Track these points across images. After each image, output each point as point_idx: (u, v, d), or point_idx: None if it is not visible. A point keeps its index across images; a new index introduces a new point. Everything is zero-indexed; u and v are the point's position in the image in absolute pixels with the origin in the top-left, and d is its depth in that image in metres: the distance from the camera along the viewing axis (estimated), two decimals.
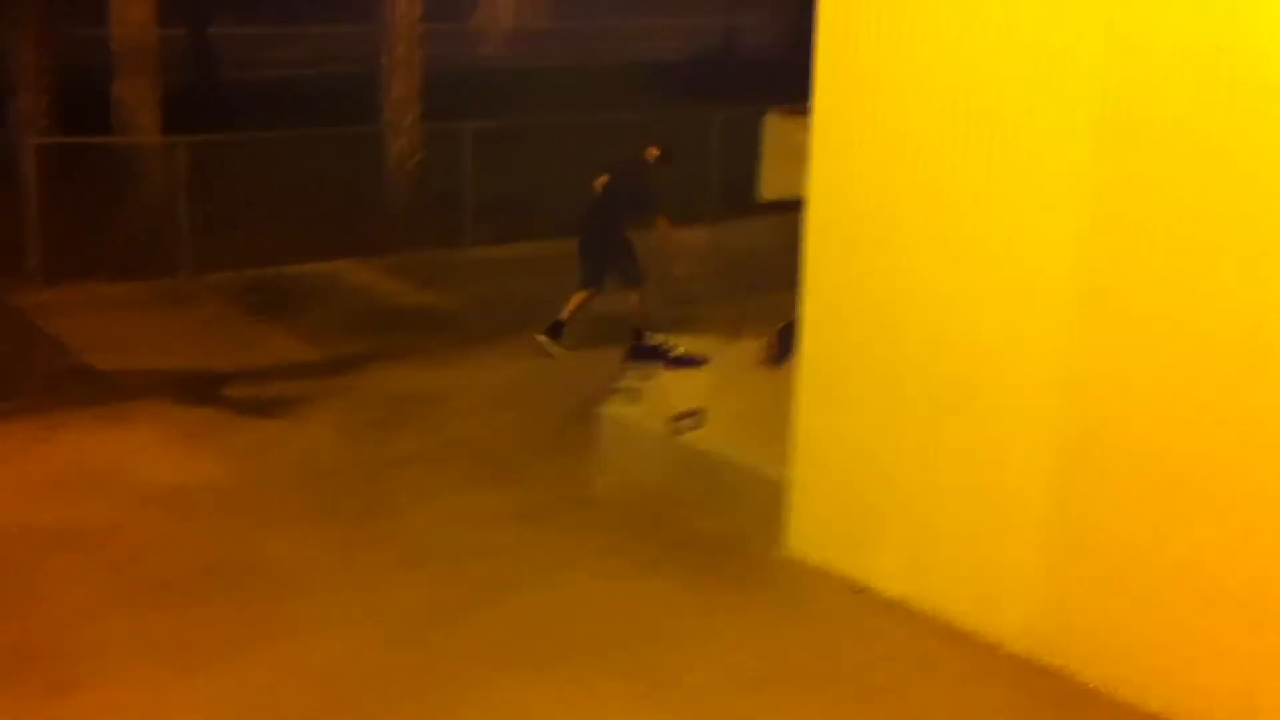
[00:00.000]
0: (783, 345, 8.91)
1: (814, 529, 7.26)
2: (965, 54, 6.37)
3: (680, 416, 8.09)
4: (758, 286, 12.16)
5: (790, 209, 13.14)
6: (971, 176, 6.40)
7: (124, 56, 14.33)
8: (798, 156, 14.38)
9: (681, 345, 9.40)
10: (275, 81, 24.14)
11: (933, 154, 6.54)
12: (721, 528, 7.60)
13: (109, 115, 14.45)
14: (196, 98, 20.25)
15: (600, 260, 10.85)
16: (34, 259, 12.28)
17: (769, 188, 14.34)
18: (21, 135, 14.08)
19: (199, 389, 9.67)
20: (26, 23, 15.38)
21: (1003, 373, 6.36)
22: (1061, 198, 6.05)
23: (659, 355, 9.25)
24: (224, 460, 8.52)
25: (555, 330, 10.69)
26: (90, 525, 7.52)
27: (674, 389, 8.65)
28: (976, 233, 6.40)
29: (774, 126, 14.52)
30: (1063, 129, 6.00)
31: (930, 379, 6.67)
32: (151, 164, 14.27)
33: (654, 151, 11.05)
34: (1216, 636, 5.64)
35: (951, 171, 6.47)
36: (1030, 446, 6.27)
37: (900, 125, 6.67)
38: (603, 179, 11.01)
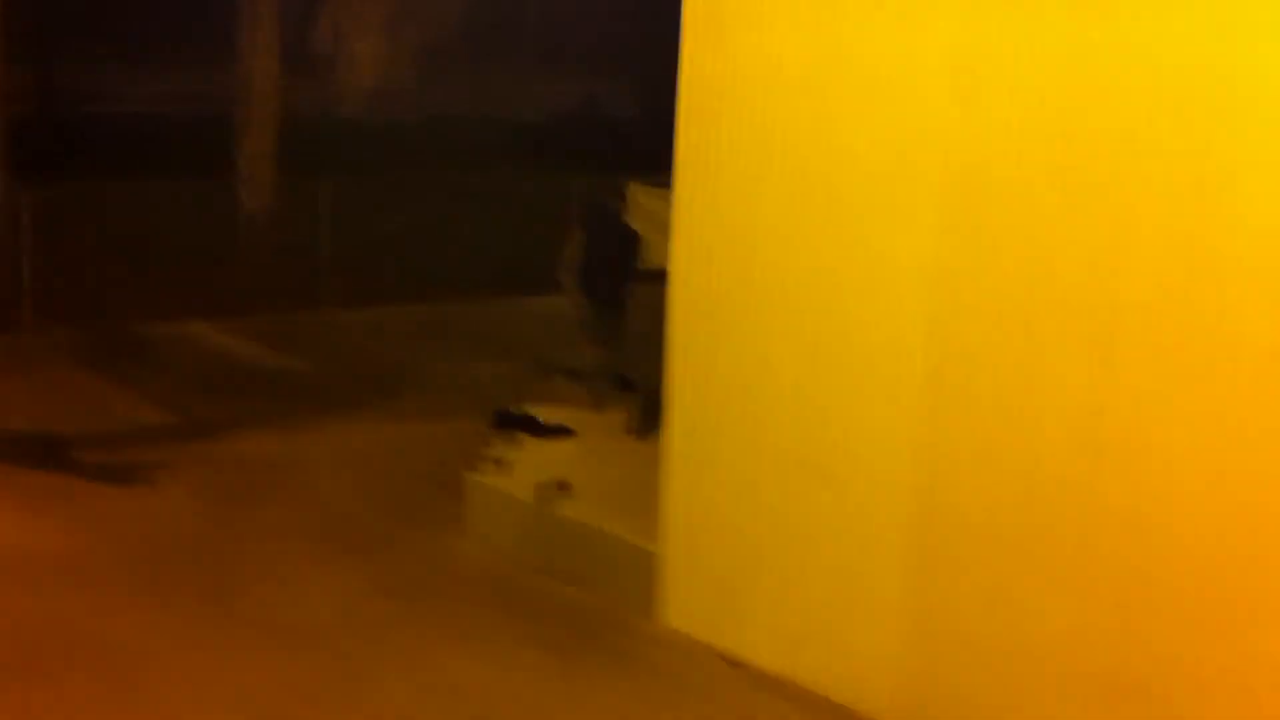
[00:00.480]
0: (647, 416, 8.97)
1: (687, 602, 7.26)
2: (819, 136, 6.53)
3: (548, 486, 8.03)
4: (618, 356, 12.21)
5: (653, 279, 13.30)
6: (824, 257, 6.55)
7: None
8: (661, 227, 14.55)
9: (547, 415, 9.35)
10: (123, 123, 23.46)
11: (788, 233, 6.68)
12: (594, 600, 7.54)
13: None
14: (38, 142, 19.55)
15: None
16: None
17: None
18: None
19: (44, 453, 9.26)
20: None
21: (858, 449, 6.48)
22: (909, 279, 6.20)
23: (526, 424, 9.18)
24: (71, 530, 8.16)
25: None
26: None
27: (542, 459, 8.60)
28: (830, 311, 6.54)
29: (636, 197, 14.60)
30: (910, 212, 6.17)
31: (792, 454, 6.75)
32: None
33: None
34: (1072, 715, 5.77)
35: (805, 251, 6.62)
36: (885, 523, 6.38)
37: (758, 204, 6.80)
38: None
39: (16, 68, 15.22)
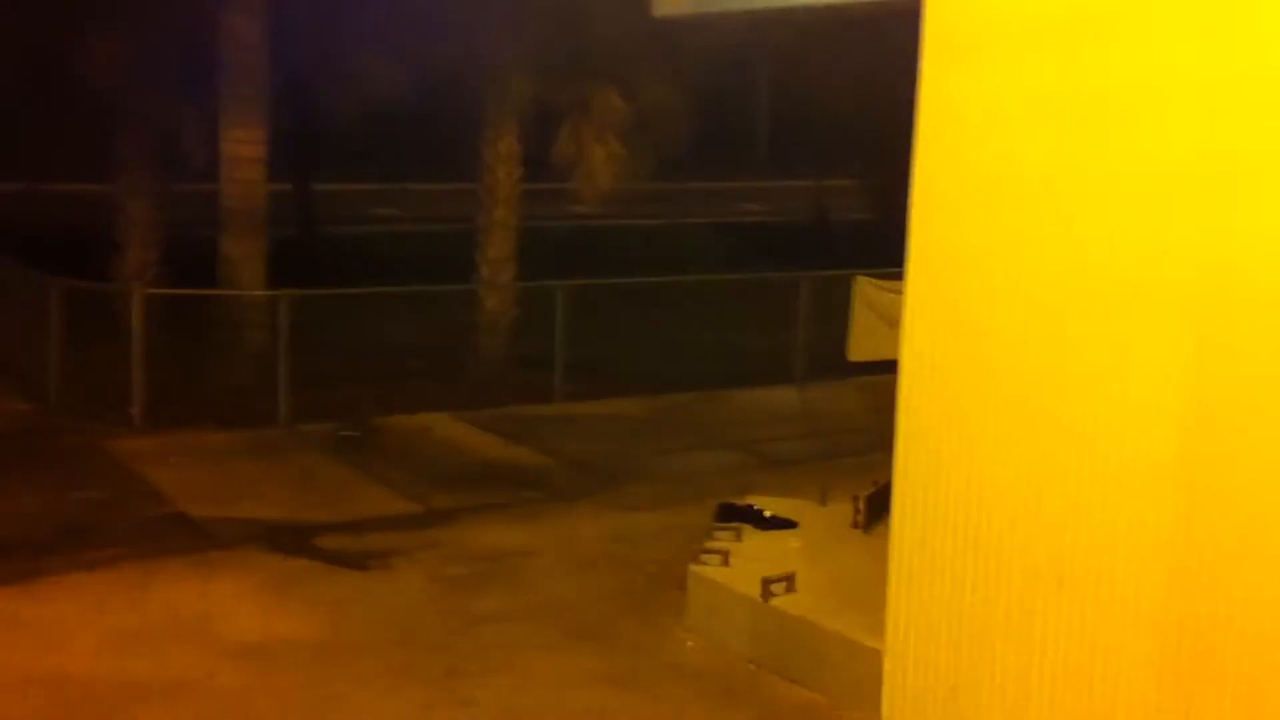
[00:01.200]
0: (873, 510, 8.84)
1: (908, 702, 7.06)
2: (1059, 236, 6.39)
3: (772, 580, 7.98)
4: (846, 450, 12.13)
5: (878, 371, 13.21)
6: (1064, 359, 6.35)
7: (233, 214, 14.85)
8: (886, 319, 14.45)
9: (770, 507, 9.33)
10: (374, 237, 24.86)
11: (1025, 334, 6.52)
12: (814, 697, 7.43)
13: (213, 268, 14.94)
14: (298, 252, 20.88)
15: None
16: (136, 407, 12.60)
17: (858, 350, 14.36)
18: (130, 286, 14.59)
19: (291, 539, 9.74)
20: (137, 179, 16.06)
21: (1101, 555, 6.21)
22: (1158, 383, 5.97)
23: (749, 516, 9.17)
24: (313, 614, 8.54)
25: None
26: (180, 678, 7.54)
27: (765, 552, 8.57)
28: (1074, 413, 6.32)
29: (864, 290, 14.60)
30: (1158, 315, 5.96)
31: (1026, 555, 6.53)
32: (253, 316, 14.67)
33: None
34: None
35: (1044, 353, 6.44)
36: (1130, 630, 6.08)
37: (994, 303, 6.67)
38: None
39: (278, 191, 16.38)
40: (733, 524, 9.05)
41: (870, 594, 7.42)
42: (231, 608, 8.58)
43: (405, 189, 25.43)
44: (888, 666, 7.17)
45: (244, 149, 14.89)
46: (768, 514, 9.15)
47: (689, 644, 8.23)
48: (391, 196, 26.39)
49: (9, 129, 19.95)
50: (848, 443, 12.41)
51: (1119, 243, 6.13)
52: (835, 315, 15.13)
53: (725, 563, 8.45)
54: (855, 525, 8.91)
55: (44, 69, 16.28)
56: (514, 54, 15.37)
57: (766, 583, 7.96)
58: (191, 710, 7.18)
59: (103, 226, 16.24)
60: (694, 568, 8.50)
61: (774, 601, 7.91)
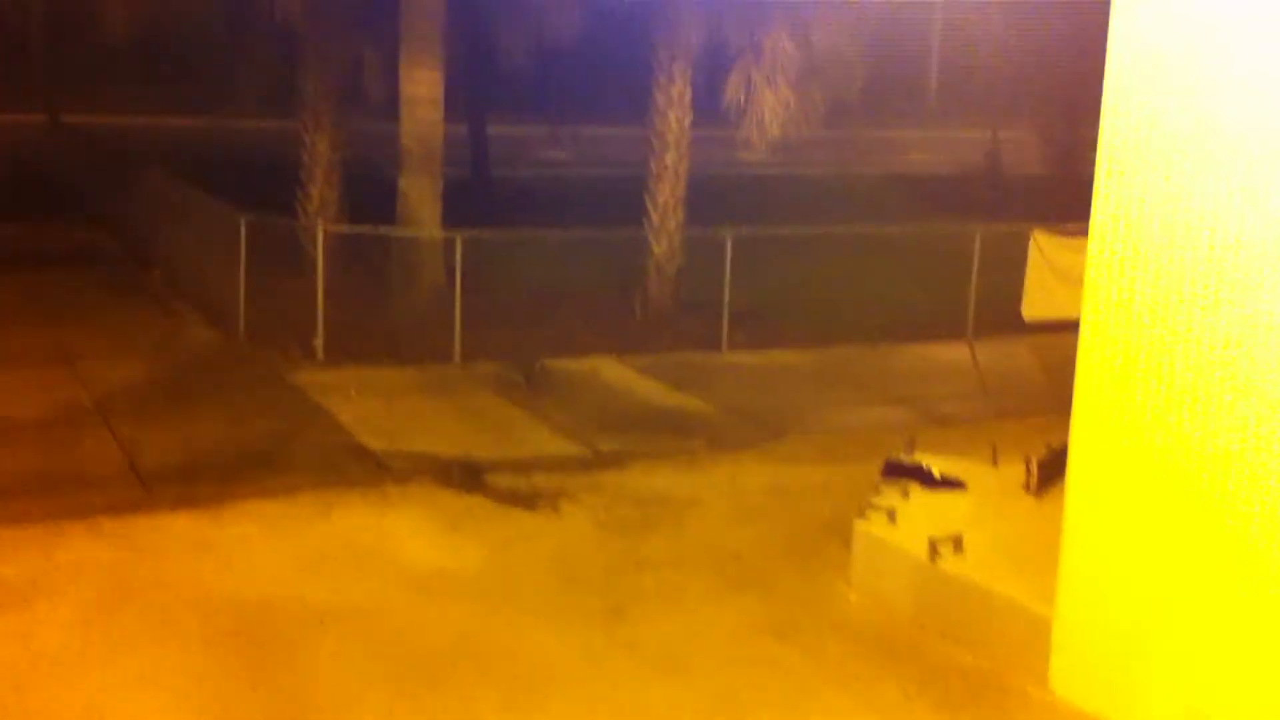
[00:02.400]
0: (1046, 473, 8.67)
1: (1080, 671, 6.95)
2: (1261, 207, 6.13)
3: (939, 541, 7.90)
4: (1017, 410, 11.91)
5: (1053, 330, 12.90)
6: (1260, 320, 6.12)
7: (411, 154, 15.14)
8: (1065, 277, 14.07)
9: (939, 466, 9.21)
10: (544, 179, 25.12)
11: (1219, 298, 6.31)
12: (979, 661, 7.36)
13: (390, 205, 15.29)
14: (471, 192, 21.24)
15: None
16: (318, 339, 13.01)
17: (1033, 308, 14.02)
18: (314, 222, 15.02)
19: (463, 476, 9.99)
20: (321, 119, 16.49)
21: None
22: None
23: (917, 474, 9.08)
24: (483, 549, 8.77)
25: None
26: (357, 605, 7.83)
27: (932, 511, 8.48)
28: (1268, 379, 6.10)
29: (1040, 245, 14.21)
30: None
31: (1207, 524, 6.35)
32: (429, 255, 14.99)
33: None
34: None
35: (1239, 315, 6.22)
36: None
37: (1187, 267, 6.45)
38: None
39: (452, 132, 16.64)
40: (900, 481, 8.97)
41: (1040, 559, 7.30)
42: (405, 540, 8.86)
43: (576, 132, 25.60)
44: (1057, 634, 7.06)
45: (422, 89, 15.14)
46: (936, 473, 9.04)
47: (852, 600, 8.22)
48: (562, 137, 26.60)
49: (199, 64, 20.69)
50: (1019, 403, 12.21)
51: None
52: (1009, 269, 14.80)
53: (892, 520, 8.39)
54: (1027, 488, 8.74)
55: (232, 7, 16.80)
56: None
57: (934, 543, 7.89)
58: (365, 635, 7.45)
59: (287, 162, 16.75)
60: (860, 524, 8.46)
61: (940, 562, 7.83)
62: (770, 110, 15.61)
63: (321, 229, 13.94)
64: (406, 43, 15.09)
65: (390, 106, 15.62)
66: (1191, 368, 6.45)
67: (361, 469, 10.15)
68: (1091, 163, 6.94)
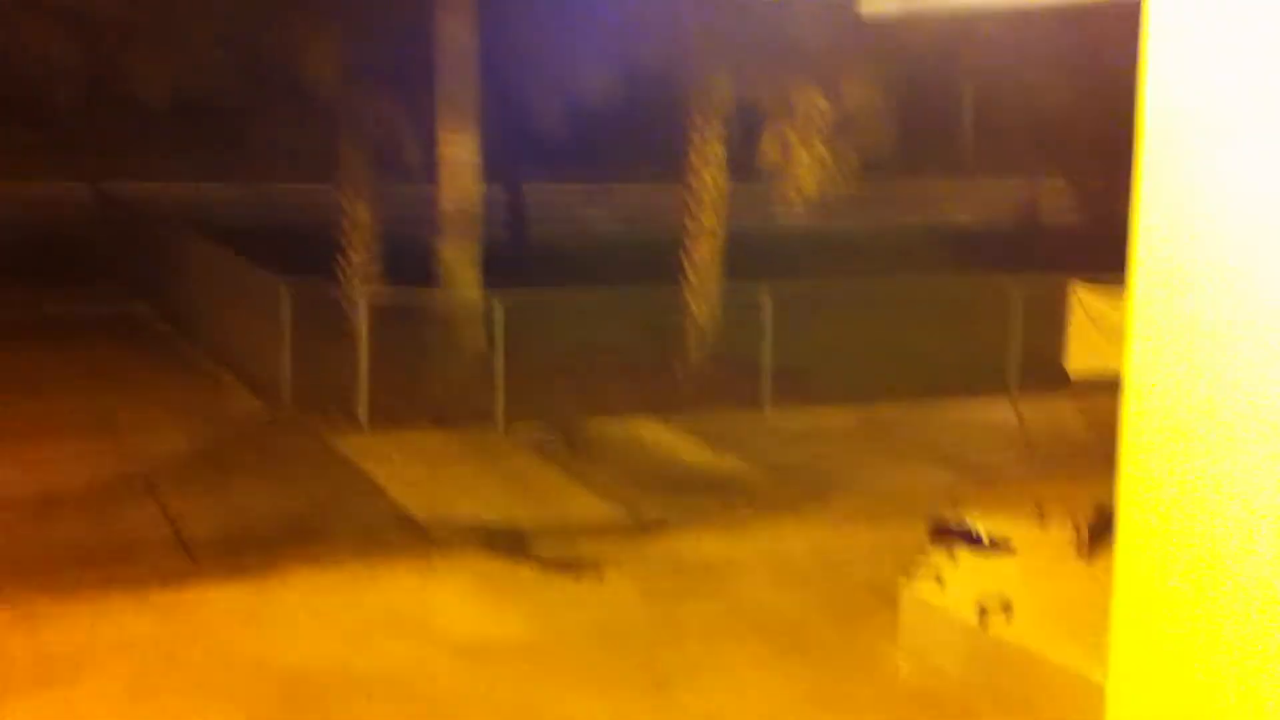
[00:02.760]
0: (1095, 534, 8.57)
1: None
2: None
3: (988, 605, 7.82)
4: (1063, 468, 11.79)
5: (1098, 387, 12.78)
6: None
7: (449, 217, 15.26)
8: (1108, 331, 13.96)
9: (986, 527, 9.13)
10: (581, 237, 25.26)
11: (1265, 351, 6.22)
12: None
13: (428, 268, 15.39)
14: (509, 253, 21.36)
15: None
16: (362, 406, 13.08)
17: (1076, 362, 13.93)
18: (355, 289, 15.14)
19: (506, 542, 9.98)
20: (359, 185, 16.67)
21: None
22: None
23: (964, 536, 9.00)
24: (527, 617, 8.74)
25: None
26: (402, 674, 7.82)
27: (980, 574, 8.40)
28: None
29: (1081, 299, 14.15)
30: None
31: (1261, 587, 6.24)
32: (470, 318, 15.07)
33: None
34: None
35: None
36: None
37: (1230, 319, 6.38)
38: None
39: (491, 190, 16.80)
40: (947, 543, 8.89)
41: (1092, 623, 7.20)
42: (449, 608, 8.86)
43: (612, 191, 25.76)
44: (1110, 701, 6.95)
45: (459, 152, 15.30)
46: (983, 534, 8.95)
47: (899, 666, 8.13)
48: (598, 197, 26.77)
49: (236, 130, 20.97)
50: (1065, 460, 12.09)
51: None
52: (1050, 323, 14.73)
53: (939, 584, 8.32)
54: (1076, 550, 8.65)
55: (269, 73, 17.04)
56: (718, 57, 15.40)
57: (983, 607, 7.81)
58: (410, 705, 7.44)
59: (327, 228, 16.91)
60: (907, 588, 8.39)
61: (990, 627, 7.75)
62: (806, 168, 15.67)
63: (365, 298, 14.04)
64: (442, 106, 15.26)
65: (427, 170, 15.78)
66: (1241, 423, 6.37)
67: (405, 537, 10.17)
68: (1128, 212, 6.89)
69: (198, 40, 16.04)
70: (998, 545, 8.88)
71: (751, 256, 17.39)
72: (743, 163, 16.43)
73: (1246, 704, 6.32)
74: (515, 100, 19.57)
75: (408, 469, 11.79)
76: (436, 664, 7.97)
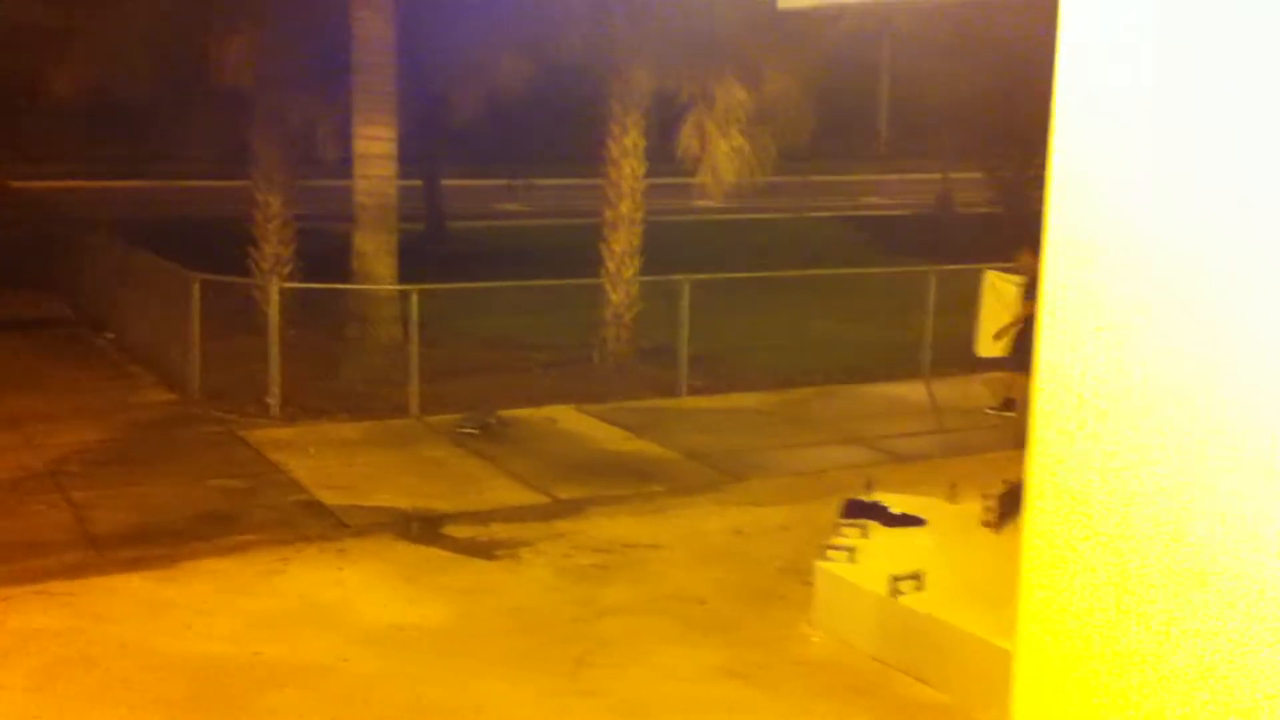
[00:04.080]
0: (1005, 508, 8.70)
1: (1040, 706, 6.93)
2: (1204, 231, 6.20)
3: (900, 578, 7.90)
4: (974, 446, 11.97)
5: (1007, 367, 12.98)
6: (1216, 354, 6.17)
7: (365, 209, 15.13)
8: (1016, 314, 14.12)
9: (898, 504, 9.23)
10: (500, 231, 25.17)
11: (1171, 332, 6.34)
12: (942, 696, 7.34)
13: (344, 261, 15.25)
14: (427, 246, 21.24)
15: None
16: (273, 397, 12.93)
17: (987, 345, 14.16)
18: (267, 280, 14.96)
19: (422, 528, 9.92)
20: (273, 176, 16.48)
21: (1250, 559, 6.03)
22: None
23: (876, 513, 9.09)
24: (443, 602, 8.68)
25: None
26: (316, 662, 7.72)
27: (892, 549, 8.49)
28: (1223, 411, 6.14)
29: (993, 284, 14.38)
30: None
31: (1165, 555, 6.36)
32: (385, 310, 14.95)
33: None
34: None
35: (1193, 349, 6.26)
36: (1278, 639, 5.89)
37: (1137, 301, 6.49)
38: None
39: (406, 187, 16.67)
40: (859, 520, 8.97)
41: (1001, 593, 7.29)
42: (364, 594, 8.77)
43: (531, 183, 25.73)
44: (1018, 668, 7.05)
45: (375, 145, 15.16)
46: (895, 511, 9.05)
47: (814, 640, 8.19)
48: (517, 191, 26.72)
49: (148, 125, 20.64)
50: (975, 439, 12.28)
51: (1276, 239, 5.93)
52: (962, 309, 14.95)
53: (852, 559, 8.38)
54: (986, 524, 8.77)
55: (183, 67, 16.78)
56: (638, 47, 15.42)
57: (895, 580, 7.88)
58: (325, 694, 7.34)
59: (241, 222, 16.71)
60: (821, 564, 8.45)
61: (902, 599, 7.83)
62: (724, 157, 15.73)
63: (275, 286, 13.89)
64: (358, 99, 15.12)
65: (344, 164, 15.63)
66: (1144, 398, 6.49)
67: (318, 525, 10.06)
68: (1040, 200, 7.01)
69: (111, 36, 15.79)
70: (910, 520, 8.97)
71: (672, 246, 17.46)
72: (663, 153, 16.48)
73: (1145, 667, 6.43)
74: (433, 94, 19.46)
75: (321, 459, 11.66)
76: (351, 651, 7.88)
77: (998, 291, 14.22)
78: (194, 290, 13.38)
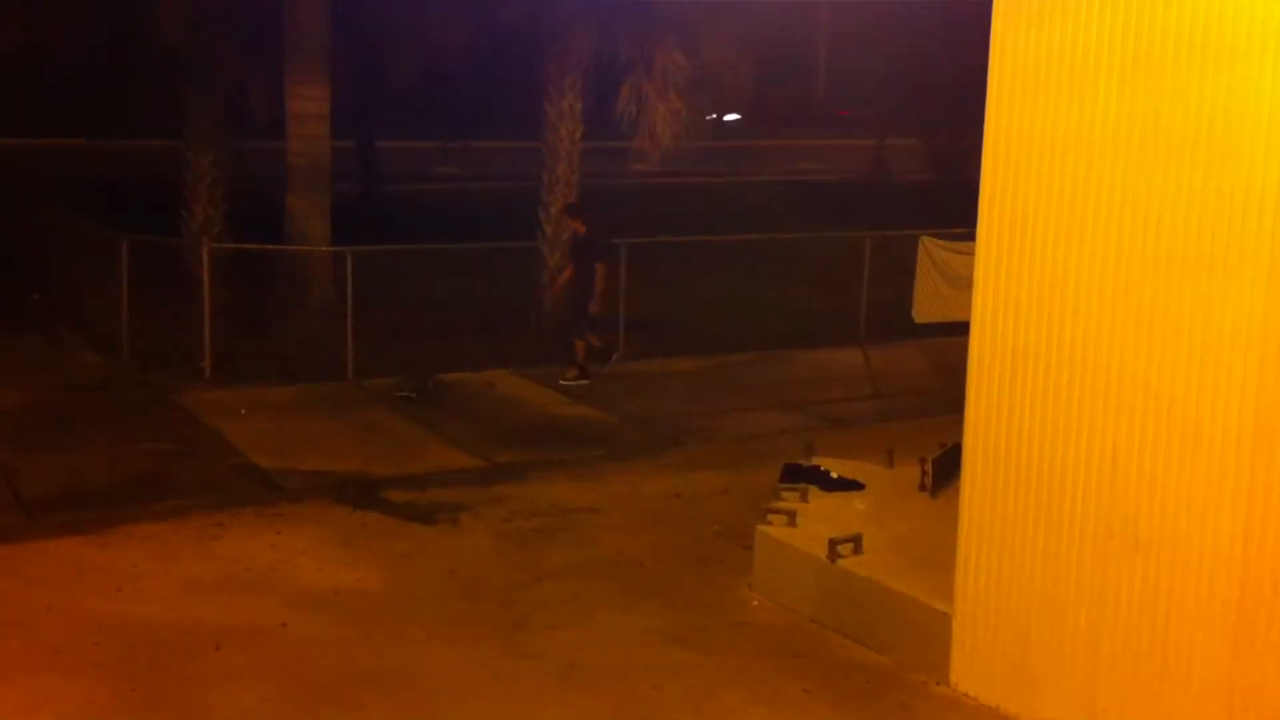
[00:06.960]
0: (940, 473, 8.79)
1: (977, 665, 7.04)
2: (1136, 193, 6.28)
3: (838, 541, 7.96)
4: (911, 411, 12.08)
5: (942, 332, 13.10)
6: (1142, 317, 6.26)
7: (298, 170, 14.95)
8: (953, 281, 14.30)
9: (836, 468, 9.29)
10: (436, 194, 24.93)
11: (1102, 296, 6.43)
12: (880, 658, 7.42)
13: (279, 223, 15.05)
14: (362, 208, 21.00)
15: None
16: (205, 360, 12.75)
17: (923, 312, 14.27)
18: (197, 241, 14.72)
19: (358, 493, 9.83)
20: (203, 136, 16.20)
21: (1177, 518, 6.15)
22: (1234, 340, 5.90)
23: (815, 477, 9.14)
24: (380, 566, 8.63)
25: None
26: (252, 625, 7.65)
27: (831, 513, 8.55)
28: (1149, 373, 6.24)
29: (929, 251, 14.49)
30: (1235, 270, 5.87)
31: (1099, 520, 6.47)
32: (319, 271, 14.78)
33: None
34: None
35: (1118, 315, 6.36)
36: (1205, 597, 6.03)
37: (1068, 266, 6.58)
38: None
39: (341, 149, 16.46)
40: (798, 485, 9.02)
41: (938, 556, 7.39)
42: (301, 558, 8.69)
43: (468, 146, 25.50)
44: (956, 630, 7.15)
45: (309, 105, 14.96)
46: (834, 475, 9.11)
47: (754, 603, 8.24)
48: (453, 154, 26.47)
49: (81, 85, 20.20)
50: (912, 404, 12.40)
51: (1196, 200, 6.02)
52: (898, 275, 15.07)
53: (791, 523, 8.43)
54: (922, 488, 8.86)
55: (114, 24, 16.43)
56: (578, 11, 15.31)
57: (833, 543, 7.94)
58: (263, 658, 7.27)
59: (173, 182, 16.42)
60: (760, 528, 8.49)
61: (841, 562, 7.89)
62: (662, 121, 15.70)
63: (206, 247, 13.68)
64: (291, 59, 14.90)
65: (279, 125, 15.40)
66: (1078, 366, 6.57)
67: (253, 489, 9.96)
68: (976, 168, 7.06)
69: None
70: (848, 485, 9.04)
71: (608, 211, 17.38)
72: (601, 118, 16.40)
73: (1080, 628, 6.55)
74: (369, 54, 19.20)
75: (254, 422, 11.53)
76: (288, 615, 7.80)
77: (933, 259, 14.35)
78: (122, 250, 13.14)
